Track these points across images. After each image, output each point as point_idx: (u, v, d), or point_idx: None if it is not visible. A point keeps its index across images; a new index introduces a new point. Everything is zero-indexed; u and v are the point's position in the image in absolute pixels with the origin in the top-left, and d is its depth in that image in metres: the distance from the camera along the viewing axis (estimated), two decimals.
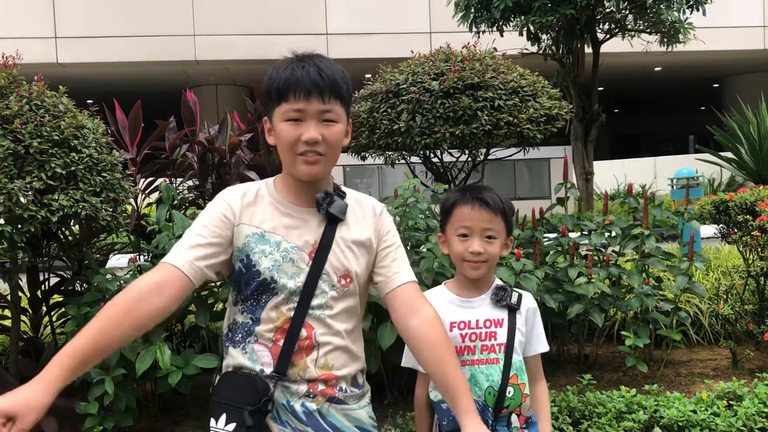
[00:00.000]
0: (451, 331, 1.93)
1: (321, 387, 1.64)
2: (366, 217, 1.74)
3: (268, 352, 1.62)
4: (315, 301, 1.62)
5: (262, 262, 1.61)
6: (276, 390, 1.60)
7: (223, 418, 1.58)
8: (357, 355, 1.73)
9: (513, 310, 1.96)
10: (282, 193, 1.69)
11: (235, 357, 1.66)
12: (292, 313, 1.61)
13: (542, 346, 2.04)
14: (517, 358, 1.94)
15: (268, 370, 1.61)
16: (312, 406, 1.63)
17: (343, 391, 1.67)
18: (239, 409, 1.56)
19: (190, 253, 1.57)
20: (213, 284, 3.50)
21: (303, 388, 1.63)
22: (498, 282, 2.03)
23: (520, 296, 2.00)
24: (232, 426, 1.56)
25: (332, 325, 1.65)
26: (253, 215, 1.65)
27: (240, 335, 1.66)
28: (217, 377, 1.71)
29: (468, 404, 1.58)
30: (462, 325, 1.94)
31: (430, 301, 1.83)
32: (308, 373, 1.62)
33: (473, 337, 1.93)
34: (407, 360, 2.05)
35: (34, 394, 1.34)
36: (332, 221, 1.66)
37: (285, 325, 1.61)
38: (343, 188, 1.75)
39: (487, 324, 1.95)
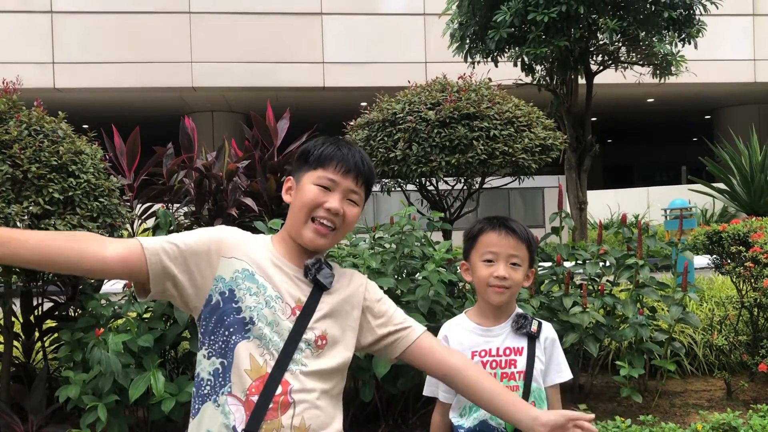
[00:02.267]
0: (472, 359, 1.97)
1: None
2: (351, 287, 1.75)
3: (241, 408, 1.55)
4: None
5: (246, 299, 1.59)
6: None
7: None
8: (334, 417, 1.66)
9: (533, 338, 2.00)
10: (279, 251, 1.70)
11: (204, 421, 1.59)
12: (267, 367, 1.57)
13: (561, 376, 2.07)
14: (536, 385, 1.98)
15: (240, 429, 1.53)
16: None
17: None
18: None
19: (161, 245, 1.57)
20: None
21: None
22: (519, 310, 2.07)
23: (540, 324, 2.04)
24: None
25: (307, 383, 1.60)
26: (247, 254, 1.65)
27: (208, 387, 1.59)
28: None
29: (525, 406, 1.72)
30: (483, 353, 1.98)
31: (453, 330, 2.00)
32: None
33: (494, 364, 1.97)
34: (429, 389, 2.10)
35: None
36: (318, 287, 1.67)
37: (259, 379, 1.56)
38: (330, 263, 1.76)
39: (507, 352, 1.99)
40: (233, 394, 1.56)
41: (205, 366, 1.61)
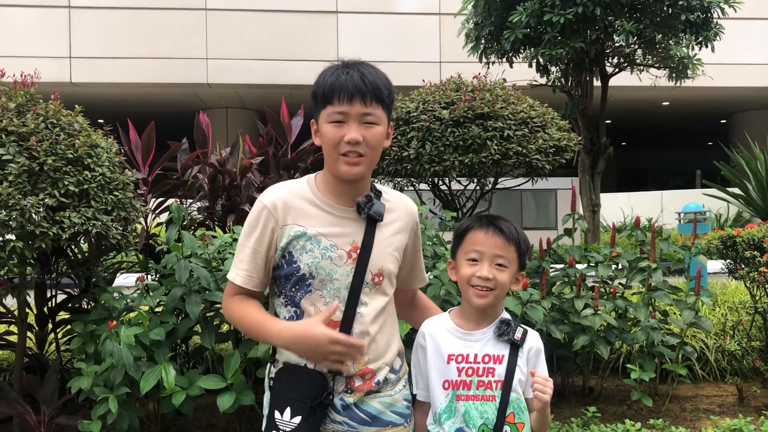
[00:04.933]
0: (447, 363, 1.87)
1: (358, 383, 1.75)
2: (403, 217, 1.87)
3: None
4: None
5: (303, 258, 1.72)
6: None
7: (287, 411, 1.69)
8: (389, 343, 1.82)
9: (515, 346, 1.87)
10: (323, 192, 1.78)
11: (283, 354, 1.76)
12: (330, 308, 1.71)
13: None
14: (515, 395, 1.85)
15: (312, 366, 1.71)
16: (350, 400, 1.75)
17: (378, 384, 1.78)
18: (302, 403, 1.68)
19: (259, 272, 1.77)
20: (219, 305, 3.51)
21: (341, 385, 1.74)
22: (504, 315, 1.94)
23: (525, 332, 1.90)
24: (297, 419, 1.67)
25: (366, 322, 1.75)
26: (296, 214, 1.74)
27: None
28: (272, 369, 1.80)
29: None
30: (459, 359, 1.87)
31: (431, 329, 1.96)
32: (347, 370, 1.73)
33: (470, 371, 1.86)
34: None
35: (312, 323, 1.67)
36: (372, 222, 1.76)
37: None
38: (378, 186, 1.85)
39: (486, 359, 1.87)
40: None
41: (282, 312, 1.79)
